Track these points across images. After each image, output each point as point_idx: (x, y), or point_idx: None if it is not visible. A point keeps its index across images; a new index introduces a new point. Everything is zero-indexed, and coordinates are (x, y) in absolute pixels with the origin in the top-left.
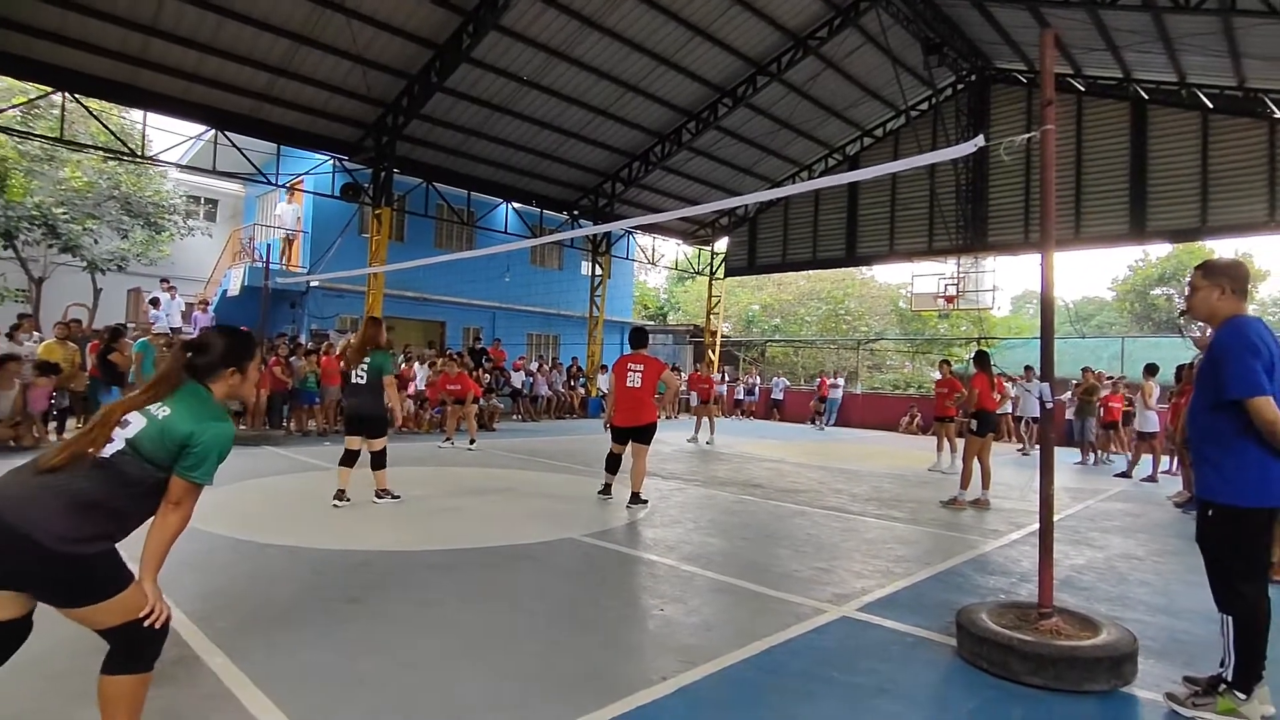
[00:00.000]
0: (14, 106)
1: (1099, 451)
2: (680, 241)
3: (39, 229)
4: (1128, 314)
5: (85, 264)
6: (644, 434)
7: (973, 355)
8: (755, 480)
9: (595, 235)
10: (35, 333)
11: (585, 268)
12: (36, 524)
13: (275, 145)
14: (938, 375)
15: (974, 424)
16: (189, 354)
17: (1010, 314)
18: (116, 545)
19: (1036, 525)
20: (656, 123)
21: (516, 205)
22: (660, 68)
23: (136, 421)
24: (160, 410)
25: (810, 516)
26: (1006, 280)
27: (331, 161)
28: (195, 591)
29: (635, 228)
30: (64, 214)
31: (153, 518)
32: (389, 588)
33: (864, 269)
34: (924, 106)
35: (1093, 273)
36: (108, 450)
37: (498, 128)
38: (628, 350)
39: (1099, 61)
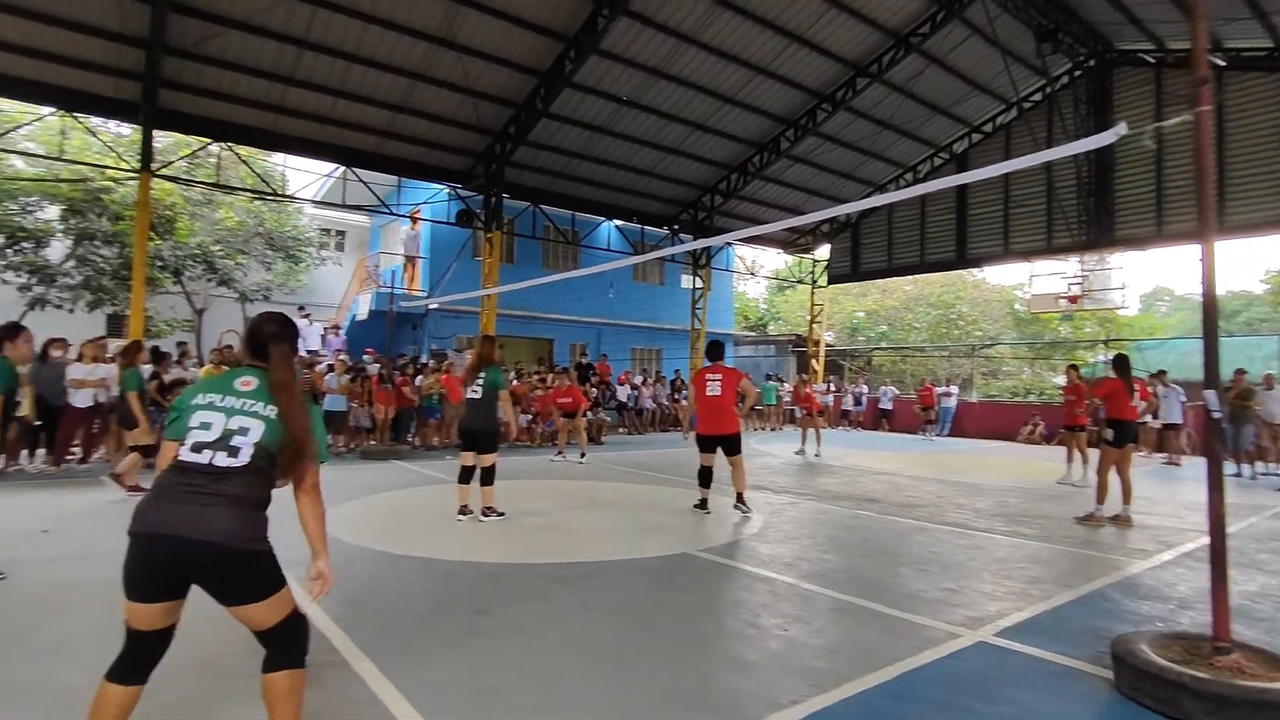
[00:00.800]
0: (181, 159)
1: (1255, 463)
2: (780, 250)
3: (200, 265)
4: None
5: (237, 295)
6: (731, 443)
7: (1111, 359)
8: (870, 494)
9: (695, 249)
10: (194, 358)
11: (686, 281)
12: (222, 532)
13: (396, 178)
14: (1063, 381)
15: (1109, 433)
16: (281, 344)
17: (1141, 313)
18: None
19: (1190, 545)
20: (754, 133)
21: (618, 223)
22: (757, 77)
23: (254, 428)
24: (267, 409)
25: (931, 533)
26: (1136, 277)
27: (446, 190)
28: (340, 599)
29: (735, 240)
30: (220, 251)
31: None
32: (516, 600)
33: (975, 271)
34: (1037, 97)
35: (1240, 265)
36: (243, 455)
37: (599, 148)
38: (707, 363)
39: (1243, 31)
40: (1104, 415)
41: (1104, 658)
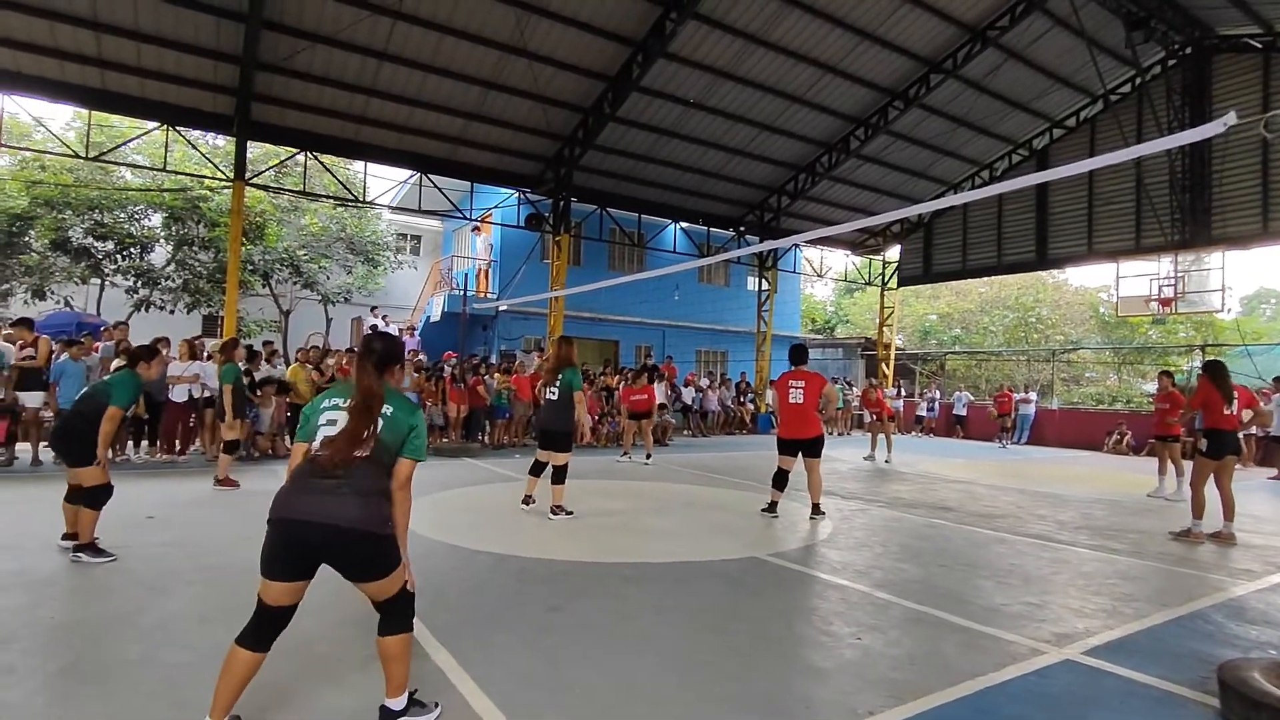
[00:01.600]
0: (270, 168)
1: None
2: (849, 252)
3: (287, 269)
4: None
5: (320, 297)
6: (812, 447)
7: (1203, 364)
8: (944, 503)
9: (762, 251)
10: (281, 357)
11: (752, 283)
12: (358, 519)
13: (469, 183)
14: (1154, 388)
15: (1204, 444)
16: (372, 357)
17: (1243, 316)
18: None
19: None
20: (823, 133)
21: (684, 225)
22: (826, 76)
23: (379, 422)
24: (387, 409)
25: (1012, 544)
26: (1236, 278)
27: (516, 195)
28: (419, 590)
29: (802, 241)
30: (305, 255)
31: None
32: (587, 598)
33: (1056, 272)
34: (1126, 89)
35: None
36: (365, 448)
37: (665, 151)
38: (789, 368)
39: None
40: (1200, 425)
41: (1208, 683)
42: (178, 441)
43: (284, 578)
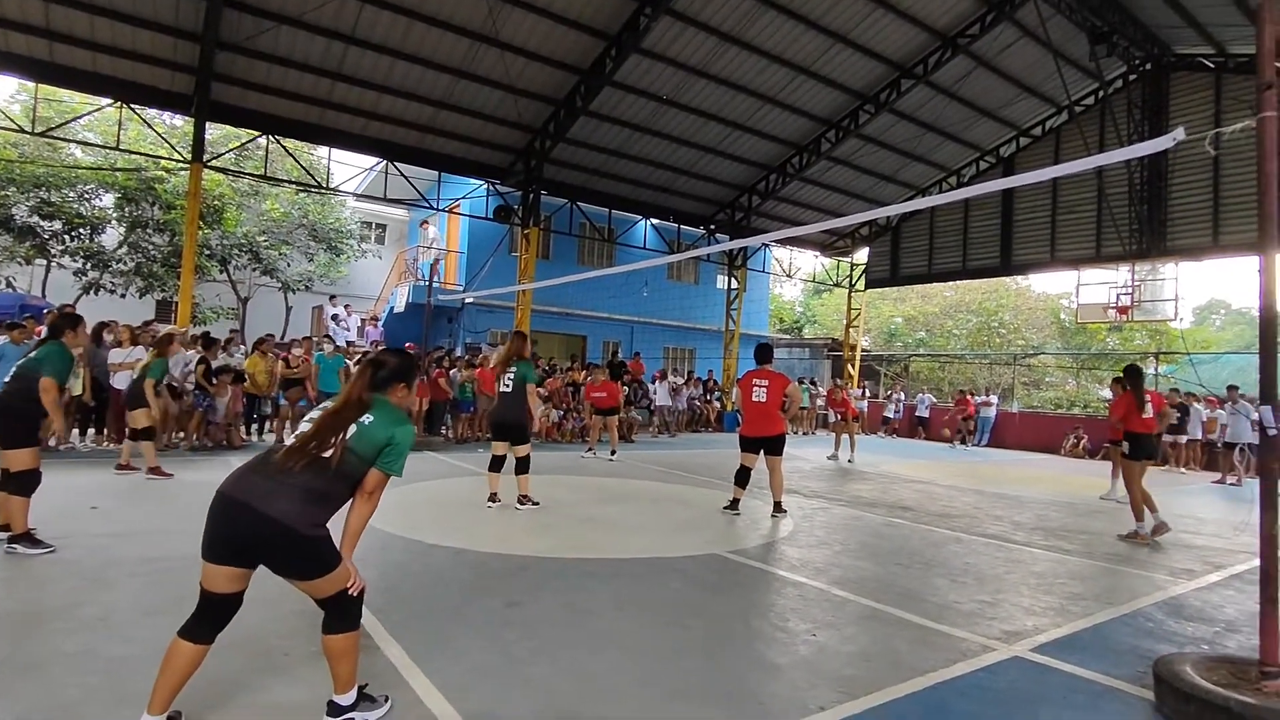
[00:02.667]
0: (230, 150)
1: None
2: (818, 253)
3: (245, 255)
4: None
5: (280, 285)
6: (774, 445)
7: (1123, 370)
8: (903, 502)
9: (731, 249)
10: (242, 346)
11: (721, 282)
12: (287, 513)
13: (437, 173)
14: (1108, 394)
15: (1125, 446)
16: (375, 369)
17: (1194, 326)
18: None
19: (1240, 567)
20: (795, 134)
21: (655, 221)
22: (799, 78)
23: (350, 429)
24: (366, 418)
25: (968, 544)
26: (1189, 289)
27: (485, 186)
28: (373, 585)
29: (772, 241)
30: (265, 241)
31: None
32: (547, 593)
33: (1020, 278)
34: (1089, 101)
35: None
36: (329, 450)
37: (637, 147)
38: (753, 366)
39: None
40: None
41: (1146, 678)
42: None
43: (221, 561)
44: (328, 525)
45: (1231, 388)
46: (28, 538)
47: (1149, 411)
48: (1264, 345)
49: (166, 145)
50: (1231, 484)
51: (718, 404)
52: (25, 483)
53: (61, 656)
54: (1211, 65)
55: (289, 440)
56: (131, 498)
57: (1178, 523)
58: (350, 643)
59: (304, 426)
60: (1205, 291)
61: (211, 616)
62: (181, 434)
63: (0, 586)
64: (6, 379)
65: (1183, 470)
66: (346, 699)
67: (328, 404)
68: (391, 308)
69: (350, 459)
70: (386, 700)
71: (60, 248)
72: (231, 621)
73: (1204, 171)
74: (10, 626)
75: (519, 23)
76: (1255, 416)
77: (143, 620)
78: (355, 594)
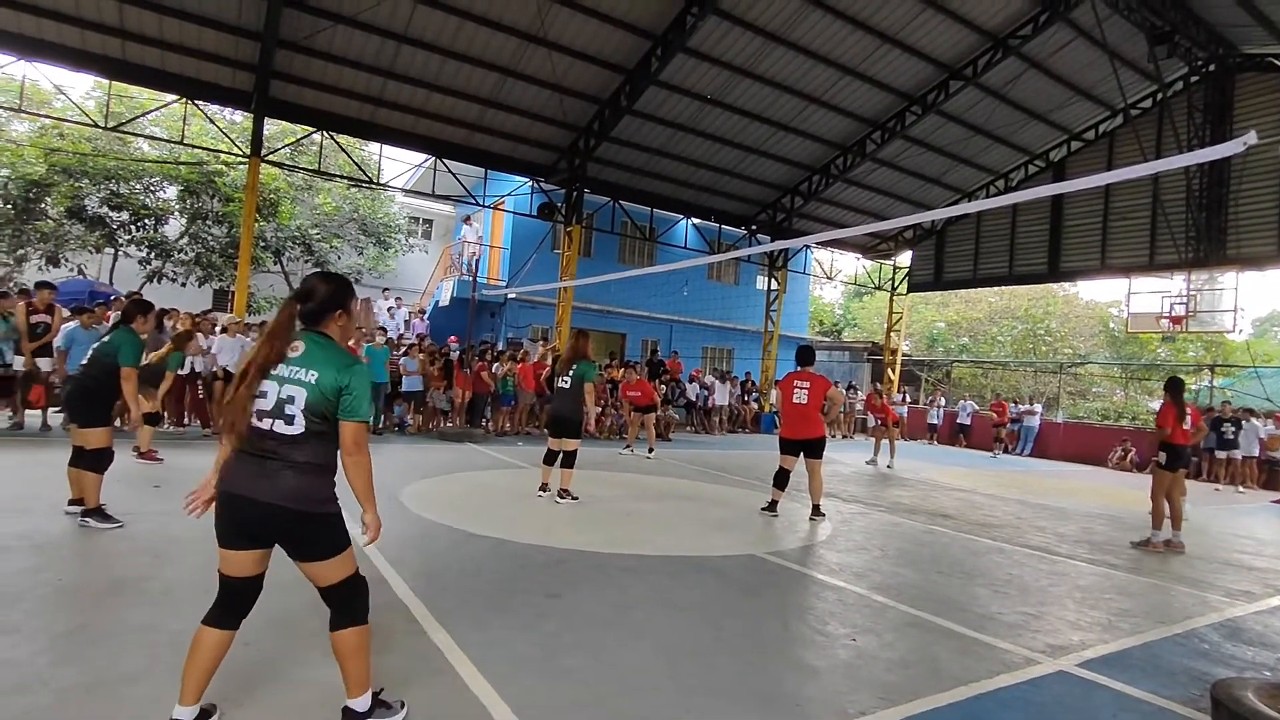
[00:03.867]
0: (286, 145)
1: None
2: (859, 255)
3: (299, 247)
4: None
5: None
6: (814, 448)
7: (1165, 382)
8: (944, 510)
9: (772, 250)
10: None
11: (761, 282)
12: (291, 495)
13: (483, 170)
14: (1159, 406)
15: (1162, 457)
16: (299, 303)
17: (1254, 338)
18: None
19: None
20: (839, 134)
21: (696, 221)
22: (845, 78)
23: (299, 394)
24: (309, 375)
25: (1010, 555)
26: (1250, 299)
27: (530, 183)
28: (418, 571)
29: (813, 243)
30: (317, 234)
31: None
32: (586, 586)
33: (1068, 285)
34: (1147, 104)
35: None
36: (298, 423)
37: (680, 146)
38: (795, 368)
39: None
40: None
41: (1201, 701)
42: (187, 413)
43: (238, 546)
44: (335, 498)
45: None
46: (99, 512)
47: (1187, 424)
48: None
49: (227, 140)
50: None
51: (755, 404)
52: (99, 460)
53: (128, 629)
54: None
55: (255, 423)
56: (193, 477)
57: (1235, 543)
58: (361, 638)
59: (260, 403)
60: (1268, 303)
61: (235, 602)
62: None
63: (75, 558)
64: (83, 362)
65: (1240, 489)
66: (361, 703)
67: (281, 371)
68: (437, 301)
69: (314, 424)
70: (403, 707)
71: (127, 237)
72: (257, 606)
73: (1271, 177)
74: (84, 598)
75: (566, 22)
76: None
77: (203, 597)
78: (371, 543)
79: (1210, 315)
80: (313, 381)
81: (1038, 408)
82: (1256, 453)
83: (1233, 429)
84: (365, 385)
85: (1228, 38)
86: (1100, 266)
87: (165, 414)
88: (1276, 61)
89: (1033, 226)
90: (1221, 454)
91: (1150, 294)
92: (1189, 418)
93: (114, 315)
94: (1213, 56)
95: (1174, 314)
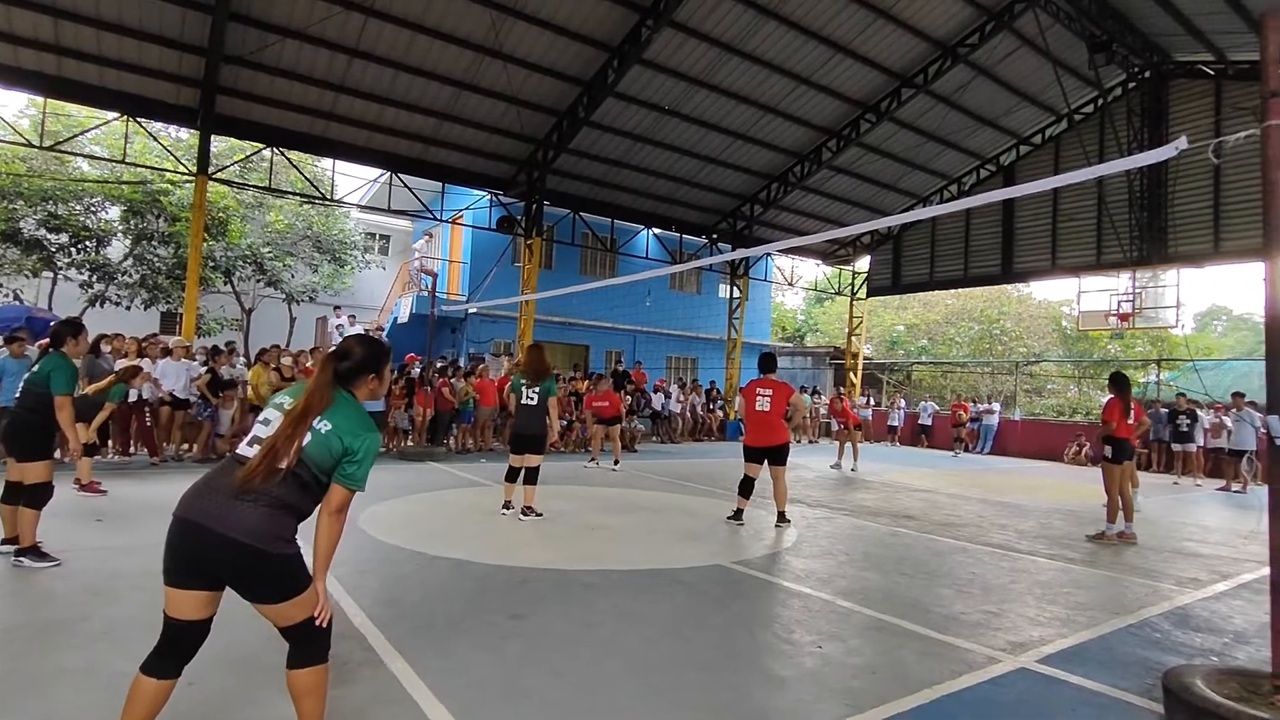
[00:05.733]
0: (235, 163)
1: None
2: (819, 261)
3: (250, 266)
4: None
5: (284, 296)
6: (778, 455)
7: (1109, 378)
8: (907, 511)
9: (733, 259)
10: (241, 358)
11: (723, 290)
12: (250, 532)
13: (440, 184)
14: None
15: (1108, 450)
16: (336, 362)
17: (1195, 333)
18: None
19: (1248, 576)
20: (796, 143)
21: (657, 231)
22: (800, 88)
23: (305, 436)
24: (322, 424)
25: (972, 554)
26: (1190, 295)
27: (488, 196)
28: (377, 598)
29: (774, 250)
30: (269, 253)
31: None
32: (549, 605)
33: (1021, 286)
34: (1089, 109)
35: None
36: (290, 461)
37: (639, 157)
38: (757, 375)
39: None
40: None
41: (1154, 690)
42: (133, 442)
43: (184, 584)
44: (295, 540)
45: (1237, 395)
46: (34, 551)
47: (1131, 418)
48: (1270, 353)
49: (172, 158)
50: (1236, 491)
51: (720, 413)
52: (37, 495)
53: (64, 672)
54: (1211, 72)
55: (243, 449)
56: (138, 511)
57: (1184, 531)
58: (319, 678)
59: (259, 429)
60: (1207, 298)
61: (178, 647)
62: (187, 445)
63: (8, 599)
64: (16, 394)
65: (1197, 483)
66: None
67: (284, 401)
68: (395, 318)
69: (305, 470)
70: None
71: (66, 260)
72: (225, 637)
73: (1205, 178)
74: (15, 641)
75: (522, 35)
76: (1259, 424)
77: (146, 635)
78: (324, 624)
79: (1155, 311)
80: (323, 431)
81: (996, 406)
82: (1203, 442)
83: (1188, 422)
84: (372, 456)
85: (1161, 46)
86: (1051, 267)
87: (101, 444)
88: (1205, 69)
89: (986, 229)
90: (1178, 447)
91: (1099, 292)
92: (1133, 412)
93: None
94: (1148, 64)
95: (1121, 311)
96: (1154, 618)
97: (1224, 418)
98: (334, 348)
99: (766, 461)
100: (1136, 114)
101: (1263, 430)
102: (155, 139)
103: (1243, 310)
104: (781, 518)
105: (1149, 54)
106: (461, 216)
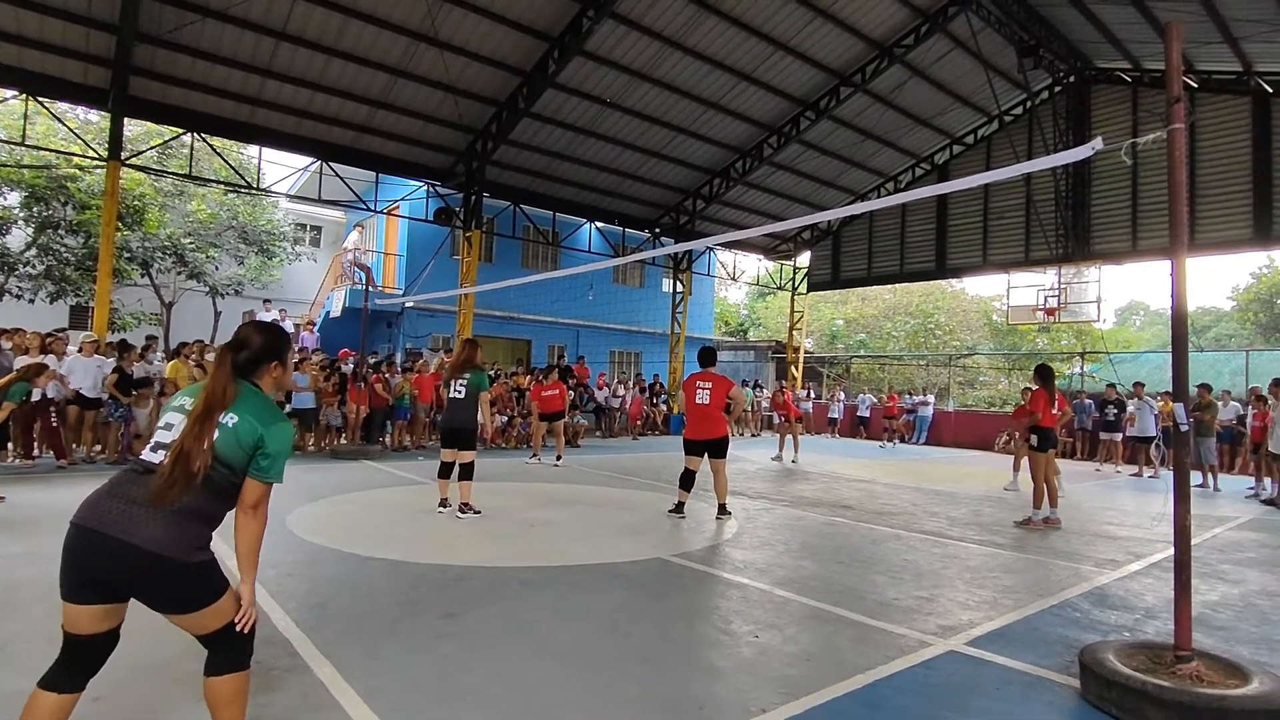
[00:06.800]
0: (152, 148)
1: (1217, 475)
2: (761, 257)
3: (170, 258)
4: (1251, 325)
5: (208, 289)
6: (717, 448)
7: (1035, 369)
8: (845, 501)
9: (676, 253)
10: (160, 353)
11: (667, 285)
12: (157, 541)
13: (374, 174)
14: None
15: (1034, 439)
16: (234, 353)
17: (1116, 327)
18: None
19: (1158, 556)
20: (738, 139)
21: (600, 225)
22: (741, 84)
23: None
24: (229, 418)
25: (906, 541)
26: (1111, 291)
27: (425, 187)
28: (304, 601)
29: (716, 244)
30: (191, 244)
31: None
32: (486, 604)
33: (954, 281)
34: (1018, 111)
35: (1209, 281)
36: (201, 463)
37: (582, 150)
38: (697, 369)
39: (1214, 55)
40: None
41: (1073, 667)
42: (37, 444)
43: (81, 599)
44: (209, 546)
45: (1138, 384)
46: None
47: (1056, 408)
48: (1176, 345)
49: (80, 141)
50: (1150, 476)
51: (664, 407)
52: None
53: None
54: (1129, 79)
55: (147, 455)
56: (43, 516)
57: (1104, 515)
58: (239, 685)
59: (161, 434)
60: (1126, 293)
61: (80, 662)
62: (99, 447)
63: None
64: None
65: (1117, 469)
66: None
67: (184, 402)
68: (328, 312)
69: (218, 470)
70: None
71: None
72: (138, 643)
73: (1123, 180)
74: None
75: (458, 22)
76: (1157, 412)
77: (47, 650)
78: (246, 629)
79: (1079, 306)
80: (229, 425)
81: (930, 398)
82: (1153, 431)
83: (1115, 411)
84: (286, 447)
85: (1084, 52)
86: (982, 263)
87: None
88: (1124, 75)
89: (921, 226)
90: (1105, 435)
91: (1027, 288)
92: (1057, 402)
93: None
94: (1072, 69)
95: (1048, 306)
96: (1074, 598)
97: (1130, 405)
98: (232, 336)
99: (706, 455)
100: (1062, 116)
101: (1155, 414)
102: (60, 121)
103: (1159, 305)
104: (722, 510)
105: (1073, 60)
106: (397, 207)
